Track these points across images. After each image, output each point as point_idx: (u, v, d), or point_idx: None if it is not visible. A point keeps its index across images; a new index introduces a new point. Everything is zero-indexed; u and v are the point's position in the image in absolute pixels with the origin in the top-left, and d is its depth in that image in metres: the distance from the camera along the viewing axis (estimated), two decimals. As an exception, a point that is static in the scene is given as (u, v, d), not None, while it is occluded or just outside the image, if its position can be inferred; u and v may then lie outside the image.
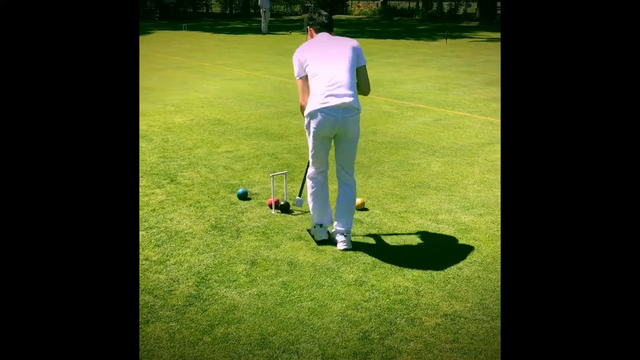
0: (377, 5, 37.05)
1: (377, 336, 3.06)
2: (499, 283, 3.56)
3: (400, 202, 5.01)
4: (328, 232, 4.20)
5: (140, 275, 3.72)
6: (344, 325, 3.16)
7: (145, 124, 7.94)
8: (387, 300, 3.41)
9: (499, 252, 3.98)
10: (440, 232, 4.41)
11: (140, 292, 3.50)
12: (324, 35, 4.12)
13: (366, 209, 4.82)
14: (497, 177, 5.63)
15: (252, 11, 36.79)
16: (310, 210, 4.23)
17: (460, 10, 33.63)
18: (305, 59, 3.96)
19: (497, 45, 17.89)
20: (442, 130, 7.54)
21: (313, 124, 3.92)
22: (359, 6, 38.47)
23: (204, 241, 4.25)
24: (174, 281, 3.66)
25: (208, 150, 6.69)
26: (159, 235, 4.36)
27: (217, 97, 9.99)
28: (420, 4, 35.07)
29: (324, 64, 3.91)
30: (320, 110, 3.85)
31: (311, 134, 3.98)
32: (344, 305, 3.36)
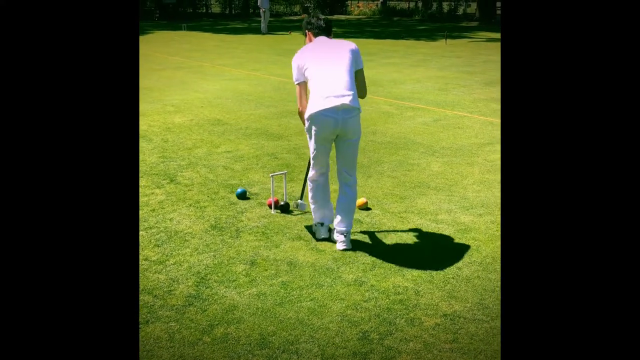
0: (377, 5, 37.10)
1: (377, 336, 3.06)
2: (499, 283, 3.57)
3: (400, 202, 5.01)
4: (329, 230, 4.22)
5: (140, 275, 3.72)
6: (344, 325, 3.16)
7: (145, 124, 7.94)
8: (387, 300, 3.41)
9: (499, 252, 3.98)
10: (440, 232, 4.41)
11: (140, 292, 3.50)
12: (322, 39, 4.14)
13: (369, 209, 4.82)
14: (497, 177, 5.64)
15: (252, 11, 36.86)
16: (312, 210, 4.26)
17: (460, 11, 33.68)
18: (304, 63, 3.96)
19: (497, 46, 17.91)
20: (441, 130, 7.54)
21: (314, 126, 3.92)
22: (358, 6, 38.51)
23: (204, 241, 4.25)
24: (173, 281, 3.66)
25: (208, 150, 6.69)
26: (158, 235, 4.36)
27: (217, 97, 9.99)
28: (420, 4, 35.12)
29: (323, 66, 3.92)
30: (321, 112, 3.85)
31: (313, 137, 3.98)
32: (343, 305, 3.36)
